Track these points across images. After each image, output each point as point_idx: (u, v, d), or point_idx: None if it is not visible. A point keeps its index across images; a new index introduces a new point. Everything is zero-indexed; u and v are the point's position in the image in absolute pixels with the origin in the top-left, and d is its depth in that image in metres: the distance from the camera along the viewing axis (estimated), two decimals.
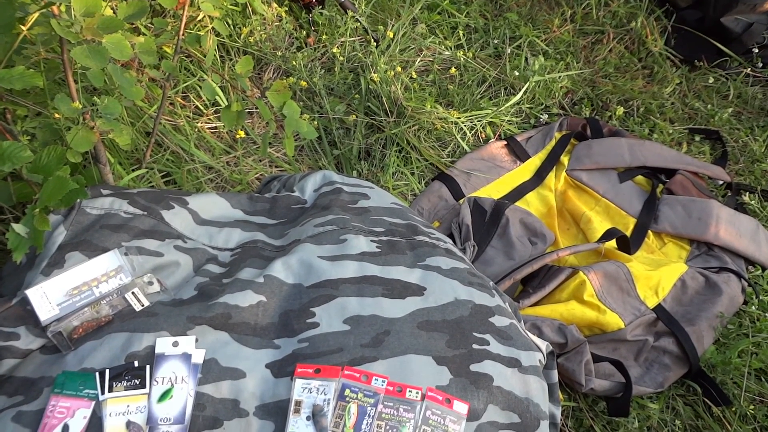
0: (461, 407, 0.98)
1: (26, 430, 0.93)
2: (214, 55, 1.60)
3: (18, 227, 0.93)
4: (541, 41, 2.08)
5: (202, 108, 1.67)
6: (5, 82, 0.95)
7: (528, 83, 1.88)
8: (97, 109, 1.09)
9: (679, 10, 2.17)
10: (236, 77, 1.34)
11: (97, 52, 0.99)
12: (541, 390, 1.08)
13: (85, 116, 1.05)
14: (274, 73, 1.83)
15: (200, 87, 1.66)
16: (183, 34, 1.31)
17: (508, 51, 2.02)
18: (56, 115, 1.08)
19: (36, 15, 0.96)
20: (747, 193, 1.73)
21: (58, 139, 1.13)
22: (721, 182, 1.78)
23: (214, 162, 1.57)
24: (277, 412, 0.96)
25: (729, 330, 1.42)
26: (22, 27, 0.98)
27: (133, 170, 1.38)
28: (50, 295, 1.00)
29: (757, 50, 2.04)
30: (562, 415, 1.30)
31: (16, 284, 1.06)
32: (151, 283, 1.06)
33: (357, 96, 1.79)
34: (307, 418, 0.95)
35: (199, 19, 1.65)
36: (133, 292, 1.04)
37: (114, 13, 1.16)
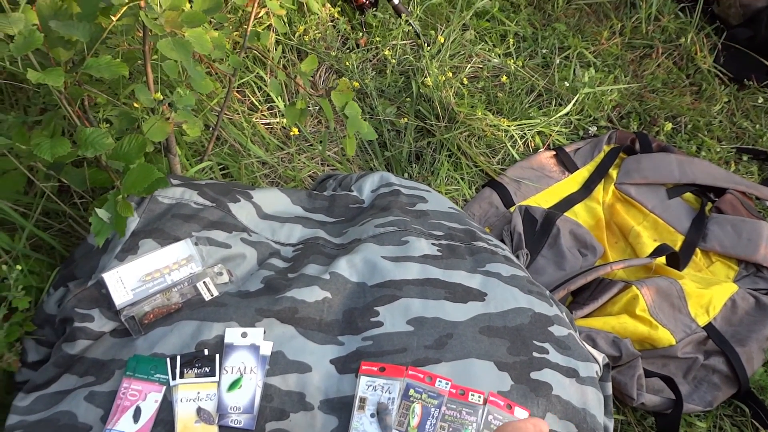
0: (522, 413, 0.99)
1: (99, 410, 0.95)
2: (279, 53, 1.62)
3: (101, 212, 0.95)
4: (590, 53, 2.09)
5: (257, 104, 1.69)
6: (94, 71, 0.97)
7: (578, 95, 1.89)
8: (173, 101, 1.11)
9: (729, 27, 2.16)
10: (301, 74, 1.36)
11: (181, 44, 1.01)
12: (598, 401, 1.09)
13: (164, 107, 1.07)
14: (326, 73, 1.85)
15: (256, 83, 1.68)
16: (249, 29, 1.33)
17: (557, 61, 2.03)
18: (134, 104, 1.10)
19: (125, 7, 0.98)
20: None
21: (133, 128, 1.15)
22: None
23: (269, 157, 1.59)
24: (341, 407, 0.98)
25: None
26: (111, 17, 1.00)
27: (196, 162, 1.40)
28: (125, 279, 1.02)
29: None
30: None
31: (89, 268, 1.09)
32: (220, 273, 1.08)
33: (408, 99, 1.81)
34: (371, 416, 0.97)
35: (259, 16, 1.67)
36: (204, 282, 1.06)
37: (190, 6, 1.18)
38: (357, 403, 0.97)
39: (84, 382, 0.99)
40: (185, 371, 0.97)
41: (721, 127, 1.97)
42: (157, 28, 1.00)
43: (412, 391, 0.99)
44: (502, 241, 1.51)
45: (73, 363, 1.01)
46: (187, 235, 1.10)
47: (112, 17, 1.00)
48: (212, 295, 1.06)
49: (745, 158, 1.90)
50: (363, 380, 0.99)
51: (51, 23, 0.99)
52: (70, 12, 1.04)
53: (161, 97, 1.08)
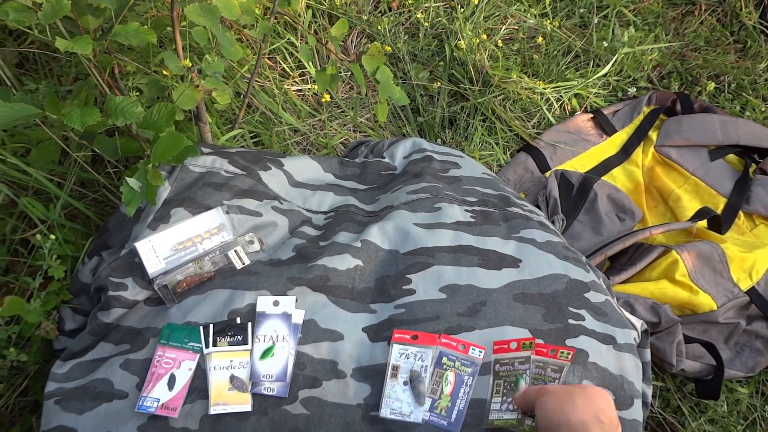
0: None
1: (134, 377, 0.97)
2: (309, 17, 1.60)
3: (132, 181, 0.95)
4: (630, 11, 2.02)
5: (288, 70, 1.67)
6: (123, 38, 0.97)
7: (617, 55, 1.83)
8: (203, 68, 1.10)
9: None
10: (331, 39, 1.33)
11: (208, 10, 1.00)
12: (636, 368, 1.07)
13: (193, 75, 1.06)
14: (358, 37, 1.82)
15: (287, 49, 1.66)
16: None
17: (595, 21, 1.96)
18: (164, 72, 1.10)
19: None
20: None
21: (162, 96, 1.14)
22: None
23: (301, 124, 1.58)
24: (373, 375, 0.97)
25: None
26: None
27: (227, 130, 1.40)
28: (157, 248, 1.03)
29: None
30: None
31: (122, 237, 1.09)
32: (252, 242, 1.08)
33: (441, 63, 1.77)
34: (404, 383, 0.96)
35: None
36: (235, 251, 1.06)
37: None
38: (390, 371, 0.97)
39: (119, 350, 1.00)
40: (218, 339, 0.98)
41: (766, 85, 1.89)
42: None
43: (445, 359, 0.98)
44: (537, 206, 1.48)
45: (109, 331, 1.02)
46: (218, 203, 1.10)
47: None
48: (244, 264, 1.06)
49: None
50: (396, 348, 0.99)
51: None
52: None
53: (190, 64, 1.07)
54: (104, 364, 1.00)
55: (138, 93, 1.14)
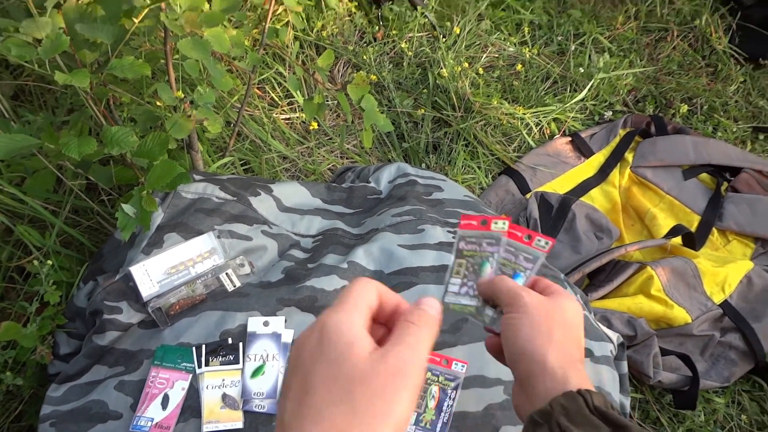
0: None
1: (128, 398, 1.00)
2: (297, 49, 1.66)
3: (127, 207, 1.00)
4: (605, 38, 2.09)
5: (277, 99, 1.73)
6: (118, 71, 1.01)
7: (592, 80, 1.90)
8: (195, 99, 1.15)
9: (743, 7, 2.15)
10: (318, 69, 1.39)
11: (200, 44, 1.05)
12: (613, 380, 1.11)
13: (185, 105, 1.11)
14: (344, 67, 1.88)
15: (276, 79, 1.72)
16: (267, 26, 1.37)
17: (572, 48, 2.04)
18: (158, 103, 1.15)
19: (147, 9, 1.02)
20: None
21: (155, 126, 1.19)
22: None
23: (289, 152, 1.63)
24: None
25: None
26: (134, 20, 1.04)
27: (218, 158, 1.45)
28: (151, 272, 1.07)
29: None
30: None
31: (117, 261, 1.13)
32: (242, 265, 1.12)
33: (425, 91, 1.84)
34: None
35: (277, 12, 1.71)
36: (226, 273, 1.10)
37: (209, 6, 1.22)
38: None
39: (114, 372, 1.04)
40: (210, 359, 1.01)
41: (737, 107, 1.97)
42: (177, 28, 1.04)
43: (429, 374, 1.02)
44: None
45: (104, 354, 1.06)
46: (209, 228, 1.14)
47: (135, 19, 1.04)
48: (235, 286, 1.10)
49: (761, 137, 1.90)
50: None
51: (77, 26, 1.03)
52: (94, 15, 1.08)
53: (182, 96, 1.12)
54: (99, 386, 1.03)
55: (132, 123, 1.19)
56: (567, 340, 0.63)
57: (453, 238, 1.22)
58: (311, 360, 0.46)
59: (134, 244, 1.12)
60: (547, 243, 0.71)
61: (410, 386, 0.45)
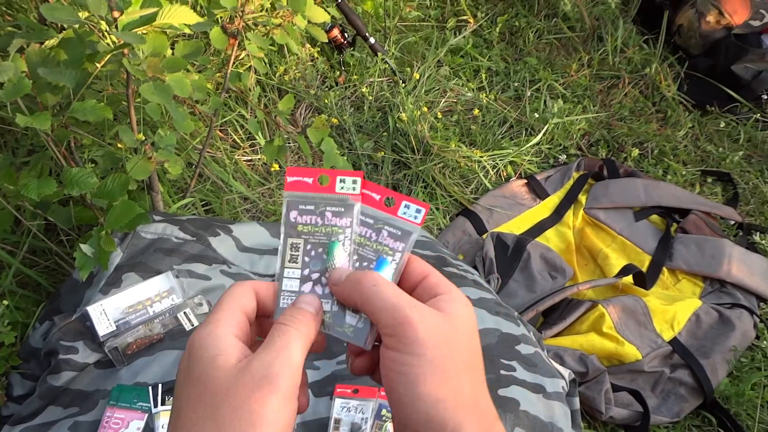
0: None
1: None
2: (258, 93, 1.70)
3: (85, 247, 1.01)
4: (560, 85, 2.17)
5: (239, 141, 1.76)
6: (80, 114, 1.04)
7: (547, 125, 1.97)
8: (155, 141, 1.17)
9: (691, 57, 2.26)
10: (278, 113, 1.43)
11: (162, 89, 1.08)
12: (565, 415, 1.14)
13: (146, 147, 1.14)
14: (306, 110, 1.92)
15: (238, 121, 1.75)
16: (229, 72, 1.40)
17: (528, 93, 2.11)
18: (118, 145, 1.17)
19: (109, 55, 1.05)
20: (758, 233, 1.80)
21: (116, 167, 1.21)
22: (732, 222, 1.84)
23: (250, 193, 1.65)
24: (317, 429, 1.02)
25: (742, 363, 1.48)
26: (96, 64, 1.07)
27: (178, 199, 1.46)
28: (108, 312, 1.08)
29: (766, 96, 2.12)
30: None
31: (74, 301, 1.14)
32: (200, 304, 1.14)
33: (385, 134, 1.88)
34: None
35: (240, 57, 1.75)
36: (184, 312, 1.11)
37: (172, 51, 1.25)
38: (332, 424, 1.02)
39: (68, 413, 1.03)
40: (167, 398, 1.02)
41: (686, 151, 2.05)
42: (139, 73, 1.07)
43: (384, 411, 1.03)
44: (475, 267, 1.57)
45: (58, 395, 1.05)
46: (168, 268, 1.16)
47: (97, 64, 1.07)
48: (192, 325, 1.11)
49: (709, 180, 1.98)
50: (338, 402, 1.04)
51: (39, 70, 1.05)
52: (57, 59, 1.11)
53: (143, 138, 1.14)
54: (53, 428, 1.02)
55: (93, 164, 1.21)
56: (478, 384, 0.47)
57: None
58: (181, 382, 0.44)
59: (92, 284, 1.13)
60: (419, 211, 0.52)
61: (279, 392, 0.42)
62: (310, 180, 0.51)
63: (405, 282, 0.50)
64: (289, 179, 0.52)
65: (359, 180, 0.51)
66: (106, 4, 1.01)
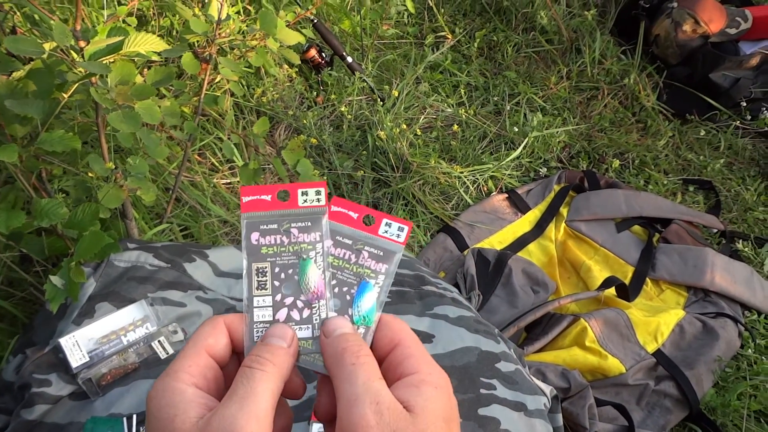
0: None
1: None
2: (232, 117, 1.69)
3: (55, 279, 1.00)
4: (539, 98, 2.18)
5: (217, 165, 1.75)
6: (47, 145, 1.03)
7: (527, 138, 1.97)
8: (126, 169, 1.17)
9: (669, 67, 2.27)
10: (253, 137, 1.42)
11: (130, 116, 1.07)
12: None
13: (117, 175, 1.13)
14: (285, 131, 1.92)
15: (216, 145, 1.75)
16: (203, 97, 1.40)
17: (508, 108, 2.12)
18: (89, 174, 1.16)
19: (76, 85, 1.04)
20: (740, 241, 1.80)
21: (89, 196, 1.20)
22: (715, 230, 1.85)
23: (230, 216, 1.64)
24: None
25: (727, 373, 1.47)
26: (63, 94, 1.06)
27: (155, 225, 1.46)
28: (81, 343, 1.06)
29: (744, 104, 2.14)
30: None
31: (47, 333, 1.12)
32: (175, 332, 1.12)
33: (364, 152, 1.88)
34: None
35: (216, 81, 1.75)
36: (159, 341, 1.10)
37: (142, 77, 1.25)
38: None
39: None
40: (141, 429, 1.00)
41: (667, 160, 2.06)
42: (107, 102, 1.06)
43: None
44: (456, 284, 1.57)
45: (32, 429, 1.03)
46: (142, 296, 1.15)
47: (65, 94, 1.07)
48: (168, 354, 1.10)
49: (691, 188, 1.98)
50: (315, 427, 1.03)
51: (6, 102, 1.05)
52: (25, 90, 1.10)
53: (113, 166, 1.13)
54: None
55: (65, 194, 1.20)
56: None
57: (387, 298, 1.24)
58: None
59: (65, 315, 1.12)
60: (402, 229, 0.48)
61: None
62: (268, 197, 0.47)
63: (374, 350, 0.45)
64: (245, 199, 0.48)
65: (323, 190, 0.47)
66: (71, 35, 1.00)
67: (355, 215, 0.48)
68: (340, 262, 0.48)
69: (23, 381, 1.05)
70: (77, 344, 1.05)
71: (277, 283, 0.47)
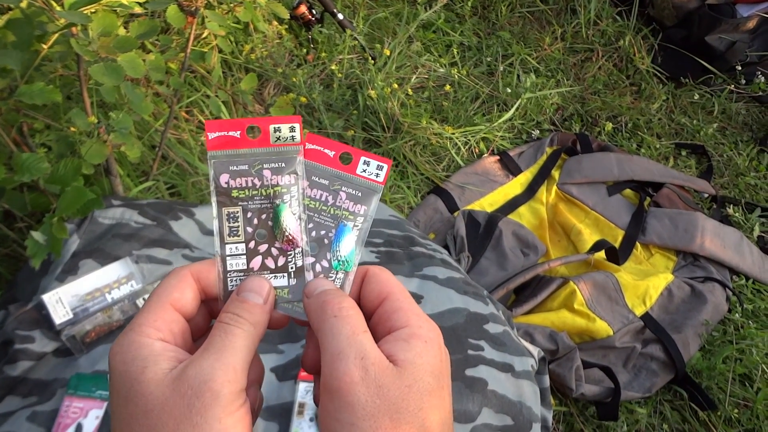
0: None
1: (41, 429, 0.97)
2: (220, 73, 1.66)
3: (37, 235, 0.98)
4: (533, 59, 2.15)
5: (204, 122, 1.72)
6: (27, 98, 1.00)
7: (520, 100, 1.94)
8: (110, 124, 1.14)
9: (665, 29, 2.24)
10: (241, 93, 1.39)
11: (113, 69, 1.04)
12: (534, 394, 1.13)
13: (100, 130, 1.10)
14: (274, 89, 1.89)
15: (204, 102, 1.72)
16: (189, 52, 1.37)
17: (501, 68, 2.09)
18: (71, 129, 1.13)
19: (56, 35, 1.01)
20: (731, 206, 1.79)
21: (72, 152, 1.18)
22: (706, 195, 1.84)
23: None
24: (281, 413, 1.01)
25: (714, 337, 1.48)
26: (43, 45, 1.03)
27: (140, 182, 1.43)
28: (65, 300, 1.05)
29: (740, 68, 2.11)
30: (553, 419, 1.35)
31: (30, 289, 1.11)
32: None
33: (355, 112, 1.85)
34: (311, 419, 1.00)
35: (203, 36, 1.71)
36: (144, 298, 1.09)
37: (126, 31, 1.21)
38: (296, 408, 1.01)
39: (27, 403, 1.01)
40: None
41: (660, 124, 2.04)
42: (88, 54, 1.03)
43: None
44: (446, 246, 1.56)
45: (16, 384, 1.03)
46: (127, 253, 1.13)
47: (44, 45, 1.03)
48: None
49: (683, 153, 1.97)
50: (302, 386, 1.03)
51: None
52: (3, 41, 1.07)
53: (96, 120, 1.11)
54: (11, 418, 1.00)
55: (47, 149, 1.17)
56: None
57: (377, 258, 1.23)
58: (113, 402, 0.39)
59: (48, 272, 1.10)
60: (381, 167, 0.45)
61: (222, 400, 0.37)
62: (237, 133, 0.43)
63: (362, 305, 0.44)
64: (211, 135, 0.43)
65: (297, 126, 0.43)
66: None
67: (331, 153, 0.45)
68: (316, 204, 0.45)
69: (6, 337, 1.04)
70: (60, 301, 1.04)
71: (249, 229, 0.44)
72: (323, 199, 0.45)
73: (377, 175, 0.45)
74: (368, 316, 0.43)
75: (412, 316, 0.42)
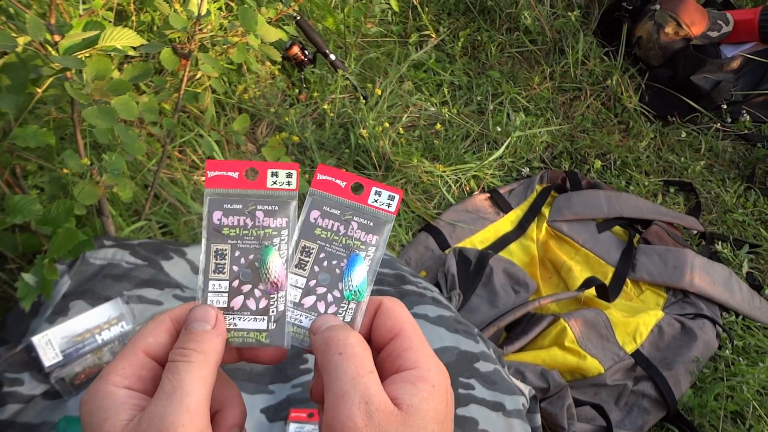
0: None
1: None
2: (213, 113, 1.68)
3: (27, 277, 0.98)
4: (522, 98, 2.18)
5: (198, 162, 1.73)
6: (21, 140, 1.01)
7: (510, 138, 1.97)
8: (102, 165, 1.15)
9: (651, 68, 2.28)
10: (233, 134, 1.41)
11: (106, 112, 1.06)
12: None
13: (93, 172, 1.11)
14: (267, 129, 1.91)
15: (197, 142, 1.73)
16: (182, 93, 1.39)
17: (491, 107, 2.12)
18: (64, 170, 1.14)
19: (51, 79, 1.02)
20: (720, 242, 1.81)
21: (64, 193, 1.18)
22: (695, 232, 1.86)
23: None
24: None
25: (705, 374, 1.48)
26: (37, 89, 1.04)
27: (133, 222, 1.44)
28: (54, 341, 1.05)
29: (725, 106, 2.15)
30: None
31: (20, 331, 1.11)
32: None
33: (347, 150, 1.87)
34: None
35: (197, 77, 1.73)
36: None
37: (120, 73, 1.23)
38: None
39: None
40: None
41: (648, 161, 2.07)
42: (82, 97, 1.05)
43: None
44: (437, 283, 1.56)
45: (4, 429, 1.02)
46: (118, 294, 1.13)
47: (38, 89, 1.05)
48: None
49: (671, 190, 1.99)
50: (292, 427, 1.02)
51: None
52: None
53: (89, 162, 1.12)
54: None
55: (39, 191, 1.18)
56: None
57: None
58: None
59: (38, 313, 1.10)
60: (393, 197, 0.46)
61: None
62: (235, 174, 0.44)
63: (373, 338, 0.44)
64: (210, 174, 0.44)
65: (295, 173, 0.44)
66: (44, 29, 0.99)
67: (342, 183, 0.45)
68: (328, 234, 0.45)
69: None
70: (50, 343, 1.04)
71: (236, 268, 0.44)
72: (335, 229, 0.45)
73: (389, 205, 0.45)
74: (378, 349, 0.43)
75: (421, 357, 0.41)
